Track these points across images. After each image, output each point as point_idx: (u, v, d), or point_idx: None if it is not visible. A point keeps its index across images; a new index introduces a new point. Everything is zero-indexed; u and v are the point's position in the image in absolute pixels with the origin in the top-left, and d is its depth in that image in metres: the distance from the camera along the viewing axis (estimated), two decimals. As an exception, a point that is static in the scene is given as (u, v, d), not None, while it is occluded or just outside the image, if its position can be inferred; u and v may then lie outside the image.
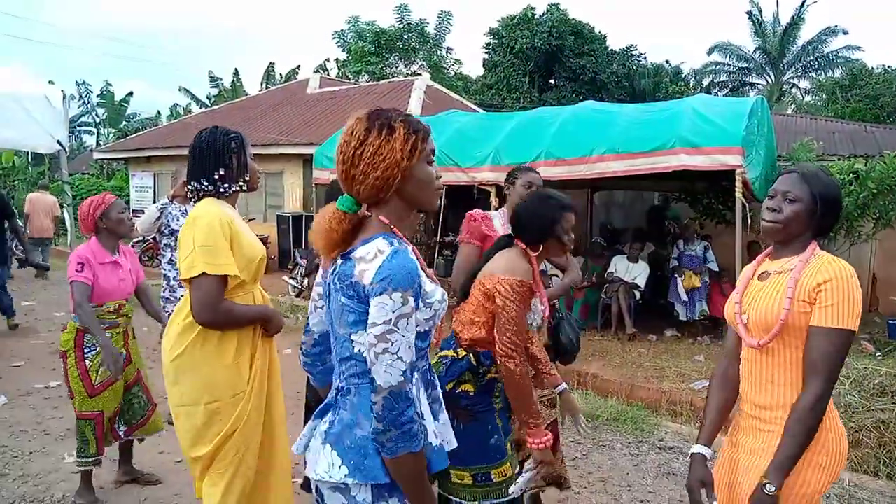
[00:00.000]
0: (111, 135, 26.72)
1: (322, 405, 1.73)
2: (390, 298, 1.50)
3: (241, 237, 2.42)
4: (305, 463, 1.74)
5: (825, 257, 1.89)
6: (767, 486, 1.79)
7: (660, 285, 9.14)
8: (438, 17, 28.84)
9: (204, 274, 2.26)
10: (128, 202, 17.97)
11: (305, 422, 3.17)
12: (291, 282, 10.63)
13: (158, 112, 31.45)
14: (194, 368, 2.39)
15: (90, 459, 3.47)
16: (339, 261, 1.59)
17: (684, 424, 5.17)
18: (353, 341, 1.58)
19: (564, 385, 2.78)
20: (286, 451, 2.65)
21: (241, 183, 2.53)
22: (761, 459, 1.91)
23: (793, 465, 1.81)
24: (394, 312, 1.50)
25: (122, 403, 3.54)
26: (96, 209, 3.46)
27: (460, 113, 10.20)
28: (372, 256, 1.54)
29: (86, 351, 3.39)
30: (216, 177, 2.47)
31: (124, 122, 27.57)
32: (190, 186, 2.51)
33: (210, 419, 2.40)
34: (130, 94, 27.23)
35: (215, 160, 2.47)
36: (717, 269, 8.52)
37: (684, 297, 8.39)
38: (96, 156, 20.40)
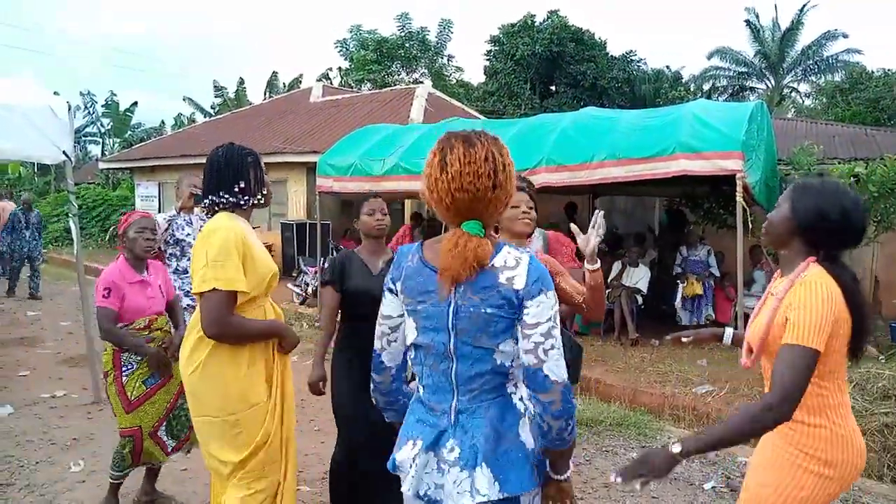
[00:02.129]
0: (116, 145, 26.87)
1: (425, 436, 1.70)
2: (546, 297, 1.60)
3: (254, 252, 2.45)
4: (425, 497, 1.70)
5: (807, 276, 1.89)
6: (674, 445, 1.80)
7: (663, 290, 9.16)
8: (439, 25, 29.07)
9: (214, 289, 2.29)
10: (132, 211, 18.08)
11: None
12: (296, 290, 10.67)
13: (163, 122, 31.66)
14: (209, 382, 2.42)
15: (124, 473, 3.48)
16: (469, 278, 1.59)
17: (687, 429, 5.18)
18: (495, 352, 1.63)
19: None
20: (294, 465, 2.69)
21: (259, 197, 2.59)
22: (755, 458, 2.07)
23: (705, 448, 1.82)
24: (552, 310, 1.61)
25: (171, 418, 3.50)
26: (121, 226, 3.54)
27: (462, 120, 10.25)
28: (514, 263, 1.62)
29: (124, 370, 3.41)
30: (236, 189, 2.52)
31: (129, 132, 27.72)
32: (207, 201, 2.54)
33: (232, 429, 2.43)
34: (135, 104, 27.38)
35: (234, 174, 2.53)
36: (718, 273, 8.55)
37: (679, 304, 8.47)
38: (102, 166, 20.54)
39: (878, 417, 4.75)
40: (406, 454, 1.72)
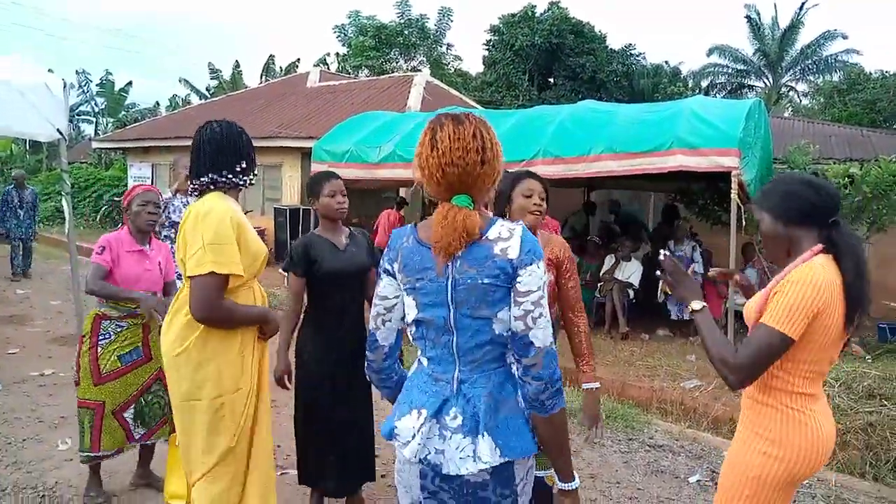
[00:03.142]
0: (109, 124, 26.68)
1: (430, 405, 1.75)
2: (537, 267, 1.68)
3: (247, 235, 2.43)
4: (429, 462, 1.73)
5: (802, 267, 1.92)
6: (697, 302, 2.05)
7: (654, 285, 9.17)
8: (439, 13, 28.91)
9: (211, 272, 2.26)
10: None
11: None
12: (287, 274, 10.64)
13: (157, 103, 31.46)
14: (199, 363, 2.38)
15: (86, 453, 3.36)
16: (464, 250, 1.67)
17: (674, 423, 5.21)
18: (493, 321, 1.69)
19: (596, 384, 2.75)
20: (269, 451, 2.66)
21: (252, 177, 2.56)
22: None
23: (699, 322, 2.02)
24: (541, 279, 1.69)
25: (143, 405, 3.42)
26: (125, 198, 3.52)
27: (460, 109, 10.19)
28: (508, 235, 1.69)
29: (100, 338, 3.35)
30: (238, 169, 2.48)
31: (123, 112, 27.51)
32: (205, 179, 2.46)
33: (216, 414, 2.39)
34: (130, 83, 27.16)
35: (236, 153, 2.48)
36: (702, 270, 8.57)
37: (660, 298, 8.49)
38: (95, 145, 20.38)
39: (863, 416, 4.80)
40: (409, 422, 1.77)
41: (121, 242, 3.40)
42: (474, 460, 1.69)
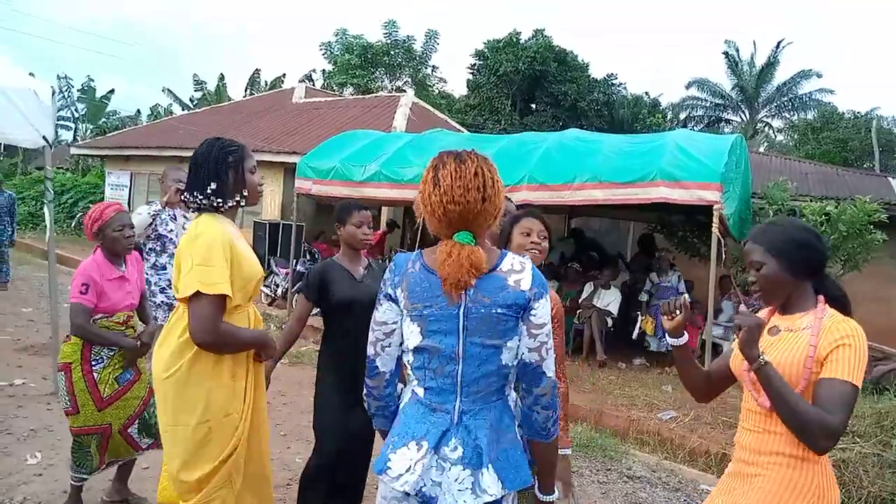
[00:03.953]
0: (89, 131, 26.38)
1: (430, 436, 1.75)
2: (547, 300, 1.77)
3: (241, 256, 2.39)
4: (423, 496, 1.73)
5: (835, 318, 1.92)
6: (764, 358, 1.87)
7: (630, 314, 9.26)
8: (426, 35, 29.11)
9: (199, 293, 2.21)
10: (101, 200, 17.73)
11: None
12: (265, 290, 10.57)
13: (139, 111, 31.18)
14: (188, 387, 2.34)
15: (89, 474, 3.33)
16: (475, 281, 1.70)
17: (651, 454, 5.23)
18: (502, 350, 1.74)
19: (568, 450, 2.66)
20: (264, 475, 2.61)
21: (237, 198, 2.47)
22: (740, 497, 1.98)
23: (770, 386, 1.85)
24: (549, 312, 1.77)
25: (146, 419, 3.39)
26: (94, 222, 3.34)
27: (445, 132, 10.29)
28: (520, 268, 1.77)
29: (93, 364, 3.29)
30: (209, 191, 2.41)
31: (103, 119, 27.21)
32: (188, 197, 2.45)
33: (202, 439, 2.35)
34: (112, 91, 26.88)
35: (208, 174, 2.41)
36: (689, 300, 8.67)
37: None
38: (73, 151, 20.13)
39: (835, 452, 4.86)
40: (406, 455, 1.76)
41: (101, 273, 3.31)
42: (472, 493, 1.69)
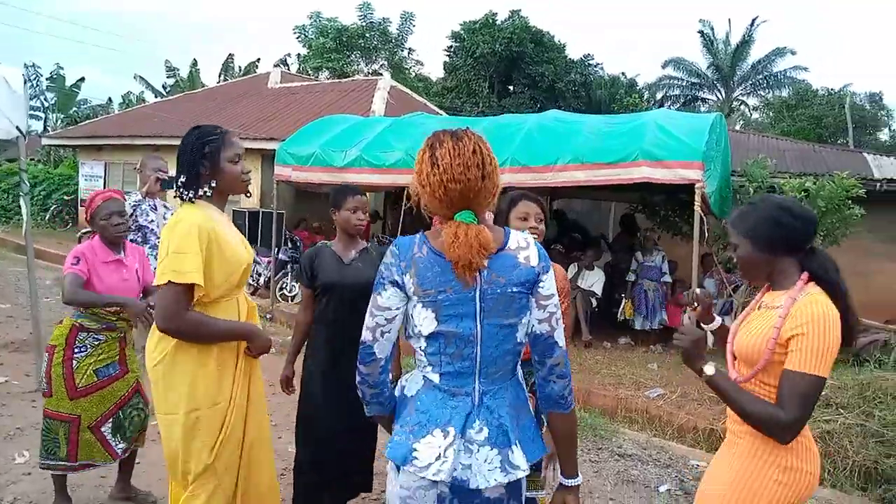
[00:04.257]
0: (59, 121, 25.84)
1: (455, 422, 1.75)
2: (552, 271, 1.81)
3: (224, 244, 2.35)
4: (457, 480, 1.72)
5: (808, 299, 1.91)
6: (709, 367, 1.98)
7: (614, 294, 9.35)
8: (401, 17, 28.88)
9: (170, 282, 2.21)
10: (75, 191, 17.42)
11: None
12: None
13: (110, 99, 30.52)
14: (174, 375, 2.33)
15: (59, 462, 3.24)
16: (489, 260, 1.71)
17: (641, 432, 5.29)
18: (517, 328, 1.76)
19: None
20: (266, 468, 2.59)
21: (205, 189, 2.41)
22: (719, 468, 2.08)
23: (719, 391, 1.96)
24: (554, 284, 1.80)
25: (122, 418, 3.31)
26: (87, 210, 3.38)
27: (425, 115, 10.23)
28: (526, 244, 1.80)
29: (76, 350, 3.23)
30: (179, 182, 2.40)
31: (74, 109, 26.64)
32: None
33: (192, 428, 2.33)
34: (82, 79, 26.24)
35: (183, 164, 2.41)
36: (671, 280, 8.77)
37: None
38: (45, 142, 19.70)
39: (819, 425, 4.95)
40: (433, 443, 1.74)
41: (95, 253, 3.29)
42: (503, 471, 1.73)
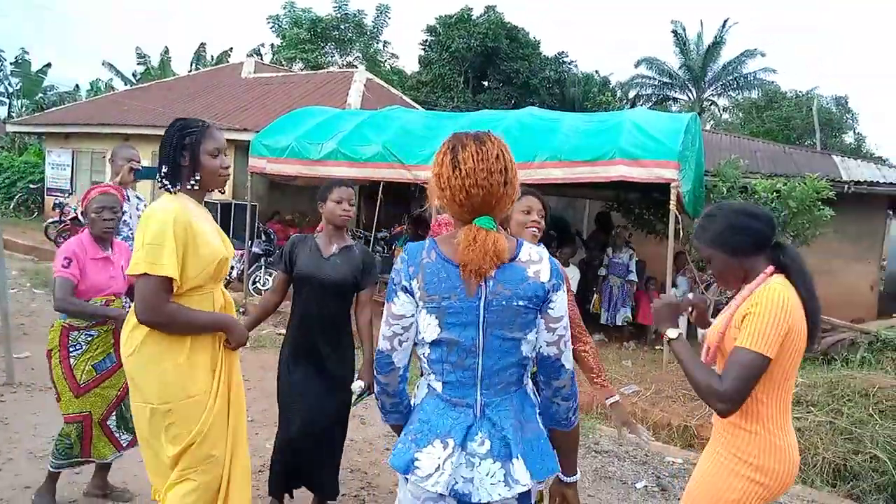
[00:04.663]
0: (24, 107, 25.19)
1: (456, 433, 1.71)
2: (564, 291, 1.74)
3: (199, 238, 2.33)
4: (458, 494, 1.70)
5: (767, 286, 2.01)
6: (672, 331, 2.13)
7: (587, 291, 9.45)
8: (377, 9, 28.65)
9: (145, 273, 2.21)
10: (42, 180, 17.02)
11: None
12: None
13: (77, 86, 29.78)
14: (146, 366, 2.33)
15: (70, 460, 3.23)
16: (497, 270, 1.66)
17: (616, 428, 5.33)
18: (522, 343, 1.72)
19: (617, 396, 2.82)
20: (246, 468, 2.59)
21: (191, 182, 2.40)
22: (700, 464, 2.20)
23: (678, 356, 2.08)
24: (566, 304, 1.74)
25: (123, 409, 3.27)
26: (83, 202, 3.36)
27: (402, 109, 10.17)
28: (538, 258, 1.73)
29: (70, 349, 3.19)
30: (162, 173, 2.39)
31: (40, 95, 25.96)
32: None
33: (163, 420, 2.32)
34: (49, 65, 25.54)
35: (164, 156, 2.40)
36: (635, 279, 8.89)
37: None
38: (10, 128, 19.15)
39: (791, 422, 5.05)
40: (433, 454, 1.71)
41: (85, 250, 3.24)
42: (506, 485, 1.68)
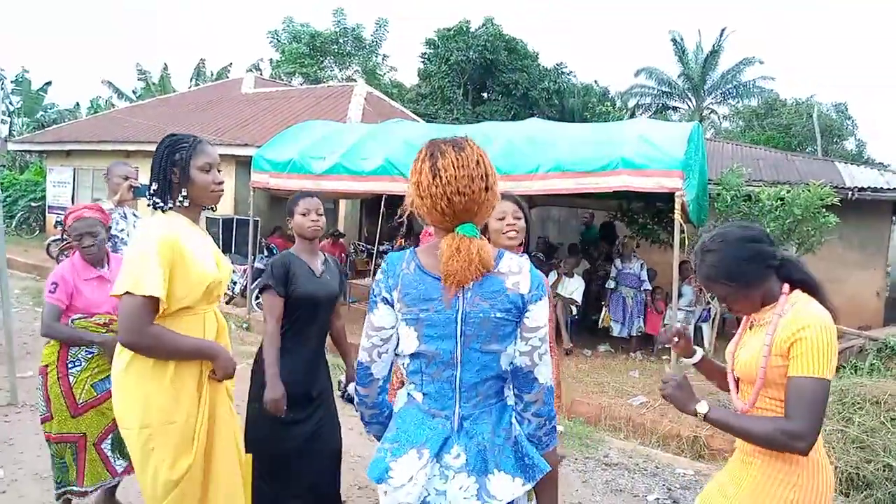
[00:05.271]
0: (25, 125, 25.25)
1: (431, 444, 1.67)
2: (544, 302, 1.69)
3: (187, 258, 2.27)
4: None
5: (798, 307, 1.92)
6: (701, 405, 1.92)
7: (591, 301, 9.41)
8: (376, 23, 28.82)
9: (128, 293, 2.15)
10: (43, 198, 17.02)
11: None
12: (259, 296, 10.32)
13: (78, 104, 29.87)
14: (128, 388, 2.27)
15: (70, 488, 3.13)
16: (476, 281, 1.63)
17: (626, 441, 5.29)
18: (501, 356, 1.67)
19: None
20: (231, 492, 2.46)
21: (179, 199, 2.35)
22: (735, 489, 2.01)
23: (721, 425, 1.90)
24: (546, 315, 1.69)
25: (119, 433, 3.22)
26: (64, 222, 3.26)
27: (404, 122, 10.18)
28: (518, 268, 1.68)
29: (69, 366, 3.13)
30: (151, 191, 2.36)
31: (41, 113, 26.02)
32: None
33: (145, 445, 2.25)
34: (49, 83, 25.69)
35: (155, 172, 2.36)
36: (650, 287, 8.84)
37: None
38: (11, 147, 19.18)
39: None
40: (407, 464, 1.67)
41: (75, 273, 3.17)
42: (479, 499, 1.64)
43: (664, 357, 7.92)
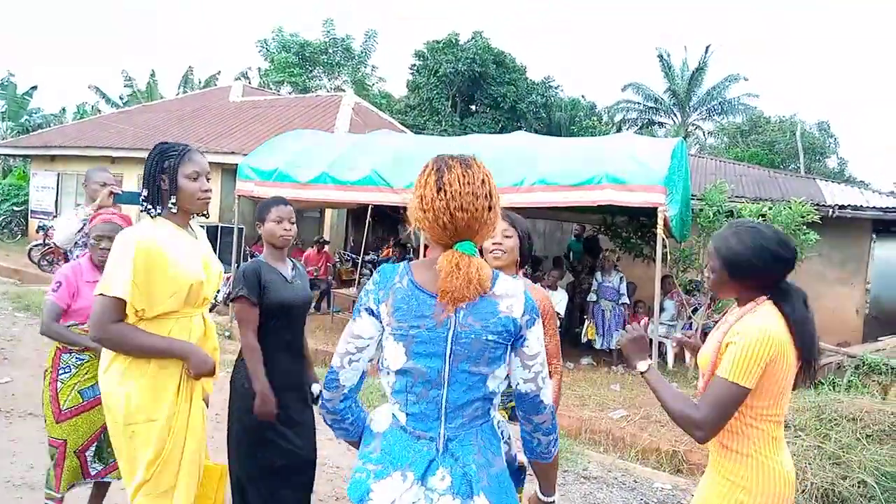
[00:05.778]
0: (9, 129, 25.04)
1: (416, 467, 1.66)
2: (538, 326, 1.70)
3: (169, 262, 2.32)
4: None
5: (750, 316, 2.02)
6: (643, 364, 2.12)
7: (575, 314, 9.45)
8: (365, 34, 28.91)
9: (101, 294, 2.26)
10: (26, 202, 16.88)
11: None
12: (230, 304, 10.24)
13: (64, 109, 29.66)
14: (112, 385, 2.35)
15: (50, 492, 3.11)
16: (471, 300, 1.62)
17: (606, 454, 5.30)
18: (489, 378, 1.67)
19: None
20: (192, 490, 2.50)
21: (168, 206, 2.41)
22: (698, 490, 2.19)
23: (651, 384, 2.08)
24: (542, 338, 1.71)
25: (102, 440, 3.14)
26: (89, 225, 3.35)
27: (392, 133, 10.22)
28: (513, 291, 1.68)
29: (60, 372, 3.13)
30: (142, 198, 2.43)
31: (26, 117, 25.81)
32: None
33: (129, 441, 2.34)
34: (35, 87, 25.48)
35: (145, 180, 2.43)
36: (628, 301, 8.90)
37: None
38: (-4, 150, 19.07)
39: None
40: (390, 486, 1.66)
41: (80, 274, 3.18)
42: None
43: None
